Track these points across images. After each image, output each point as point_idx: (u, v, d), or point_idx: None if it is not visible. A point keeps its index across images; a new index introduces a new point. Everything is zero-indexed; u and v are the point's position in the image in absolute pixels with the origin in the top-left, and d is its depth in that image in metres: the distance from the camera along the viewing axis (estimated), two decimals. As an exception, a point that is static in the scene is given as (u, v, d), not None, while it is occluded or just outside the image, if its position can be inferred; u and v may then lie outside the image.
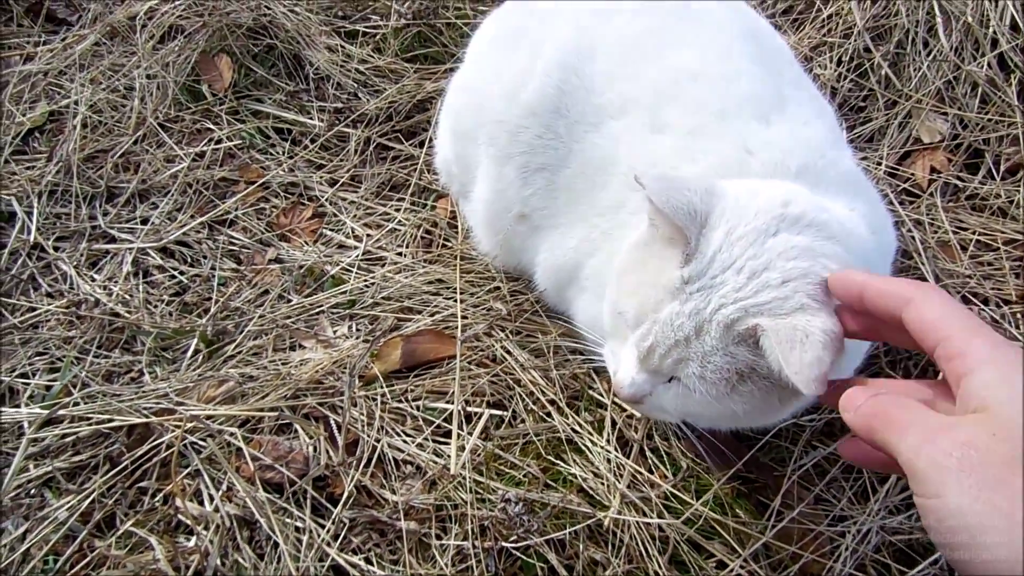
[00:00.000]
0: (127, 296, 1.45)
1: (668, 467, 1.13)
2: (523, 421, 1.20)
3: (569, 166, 1.14)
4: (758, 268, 0.81)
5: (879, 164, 1.52)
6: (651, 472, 1.13)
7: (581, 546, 1.04)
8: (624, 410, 1.20)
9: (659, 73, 1.09)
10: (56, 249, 1.55)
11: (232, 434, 1.17)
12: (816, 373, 0.72)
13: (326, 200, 1.61)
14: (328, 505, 1.11)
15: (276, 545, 1.06)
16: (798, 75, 1.17)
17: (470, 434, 1.17)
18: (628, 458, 1.13)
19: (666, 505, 1.08)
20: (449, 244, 1.49)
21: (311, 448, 1.16)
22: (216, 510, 1.09)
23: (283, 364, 1.29)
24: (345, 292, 1.41)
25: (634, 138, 1.08)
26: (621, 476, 1.11)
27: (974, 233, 1.43)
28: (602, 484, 1.10)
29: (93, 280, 1.48)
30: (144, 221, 1.60)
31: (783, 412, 0.92)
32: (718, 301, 0.81)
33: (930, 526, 0.53)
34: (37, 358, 1.36)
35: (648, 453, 1.15)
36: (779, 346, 0.76)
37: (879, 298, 0.69)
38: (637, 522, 1.05)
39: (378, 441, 1.17)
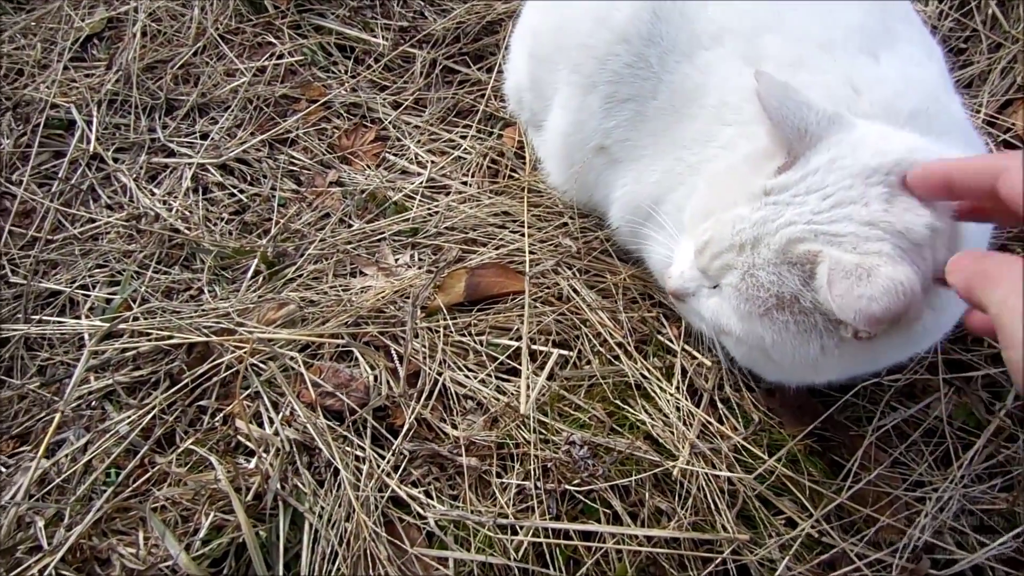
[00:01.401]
0: (187, 212, 1.42)
1: (739, 420, 1.09)
2: (589, 363, 1.16)
3: (657, 97, 1.07)
4: (846, 200, 0.76)
5: (977, 112, 1.42)
6: (721, 423, 1.09)
7: (647, 494, 1.01)
8: (694, 358, 1.15)
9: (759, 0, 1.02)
10: (115, 160, 1.52)
11: (292, 358, 1.15)
12: (861, 306, 0.69)
13: (389, 123, 1.56)
14: (388, 436, 1.09)
15: (336, 473, 1.04)
16: (907, 9, 1.08)
17: (535, 373, 1.13)
18: (698, 407, 1.09)
19: (736, 458, 1.04)
20: (516, 175, 1.44)
21: (372, 377, 1.14)
22: (276, 433, 1.08)
23: (344, 290, 1.26)
24: (408, 220, 1.36)
25: (727, 69, 1.01)
26: (691, 426, 1.07)
27: (1077, 190, 1.34)
28: (670, 432, 1.06)
29: (153, 194, 1.46)
30: (203, 136, 1.56)
31: (826, 366, 0.85)
32: (789, 217, 0.78)
33: (1015, 380, 0.52)
34: (97, 270, 1.35)
35: (719, 404, 1.11)
36: (830, 274, 0.72)
37: (969, 177, 0.66)
38: (706, 474, 1.02)
39: (440, 374, 1.14)
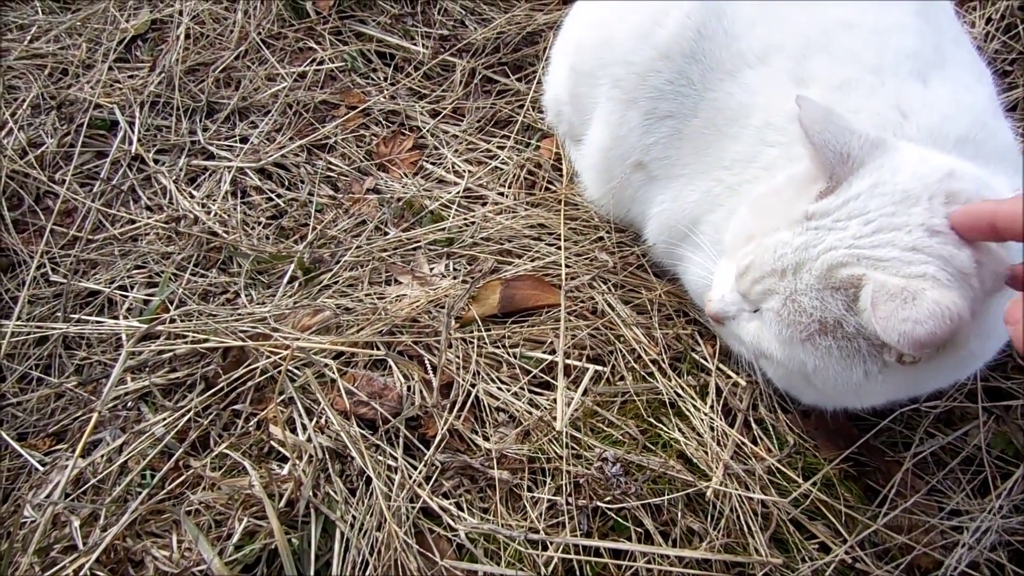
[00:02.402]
0: (225, 216, 1.43)
1: (774, 441, 1.08)
2: (622, 379, 1.16)
3: (698, 116, 1.07)
4: (889, 226, 0.75)
5: (1021, 137, 1.40)
6: (755, 444, 1.08)
7: (679, 513, 1.01)
8: (729, 377, 1.15)
9: (808, 20, 1.01)
10: (156, 162, 1.54)
11: (327, 365, 1.15)
12: (906, 329, 0.69)
13: (428, 131, 1.56)
14: (420, 446, 1.09)
15: (368, 482, 1.04)
16: (958, 33, 1.07)
17: (569, 388, 1.13)
18: (732, 428, 1.08)
19: (770, 480, 1.04)
20: (553, 188, 1.44)
21: (405, 387, 1.14)
22: (309, 440, 1.08)
23: (379, 298, 1.26)
24: (444, 229, 1.37)
25: (774, 89, 1.01)
26: (724, 446, 1.06)
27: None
28: (704, 452, 1.06)
29: (192, 197, 1.47)
30: (243, 140, 1.58)
31: (869, 392, 0.85)
32: (831, 243, 0.78)
33: None
34: (136, 271, 1.37)
35: (753, 425, 1.10)
36: (874, 296, 0.72)
37: (1014, 223, 0.66)
38: (739, 495, 1.01)
39: (473, 386, 1.14)
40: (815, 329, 0.79)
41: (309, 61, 1.69)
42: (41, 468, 1.11)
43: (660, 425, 1.09)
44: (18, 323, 1.28)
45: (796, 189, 0.86)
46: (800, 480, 1.03)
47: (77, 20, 1.80)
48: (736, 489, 1.01)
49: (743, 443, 1.07)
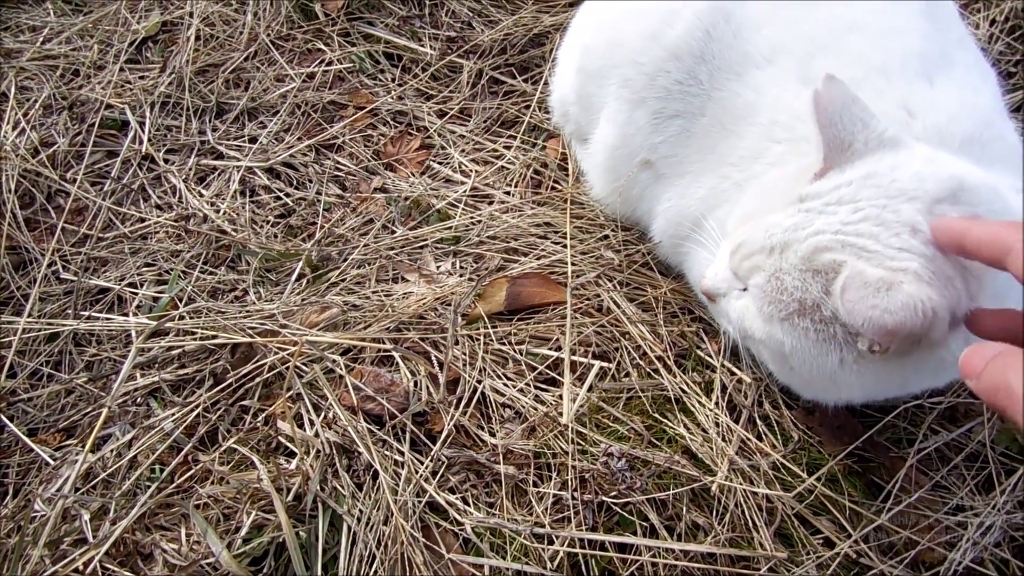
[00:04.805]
0: (234, 214, 1.45)
1: (778, 437, 1.09)
2: (627, 375, 1.16)
3: (706, 115, 1.08)
4: (877, 218, 0.75)
5: (1026, 136, 1.41)
6: (760, 440, 1.08)
7: (684, 508, 1.01)
8: (734, 374, 1.15)
9: (815, 21, 1.02)
10: (166, 161, 1.55)
11: (334, 361, 1.16)
12: (873, 316, 0.69)
13: (435, 132, 1.57)
14: (427, 442, 1.10)
15: (375, 476, 1.05)
16: (963, 34, 1.08)
17: (574, 384, 1.14)
18: (737, 424, 1.09)
19: (775, 476, 1.04)
20: (559, 187, 1.45)
21: (412, 383, 1.15)
22: (316, 435, 1.09)
23: (386, 296, 1.27)
24: (450, 228, 1.38)
25: (781, 89, 1.01)
26: (729, 441, 1.07)
27: None
28: (709, 448, 1.06)
29: (201, 195, 1.49)
30: (252, 140, 1.59)
31: (845, 382, 0.84)
32: (819, 226, 0.78)
33: None
34: (146, 269, 1.38)
35: (758, 421, 1.11)
36: (847, 280, 0.72)
37: (980, 246, 0.65)
38: (744, 490, 1.01)
39: (479, 382, 1.15)
40: (794, 309, 0.80)
41: (318, 62, 1.70)
42: (51, 463, 1.12)
43: (665, 421, 1.10)
44: (29, 320, 1.29)
45: (798, 177, 0.87)
46: (804, 475, 1.04)
47: (89, 22, 1.82)
48: (741, 484, 1.02)
49: (748, 439, 1.08)
